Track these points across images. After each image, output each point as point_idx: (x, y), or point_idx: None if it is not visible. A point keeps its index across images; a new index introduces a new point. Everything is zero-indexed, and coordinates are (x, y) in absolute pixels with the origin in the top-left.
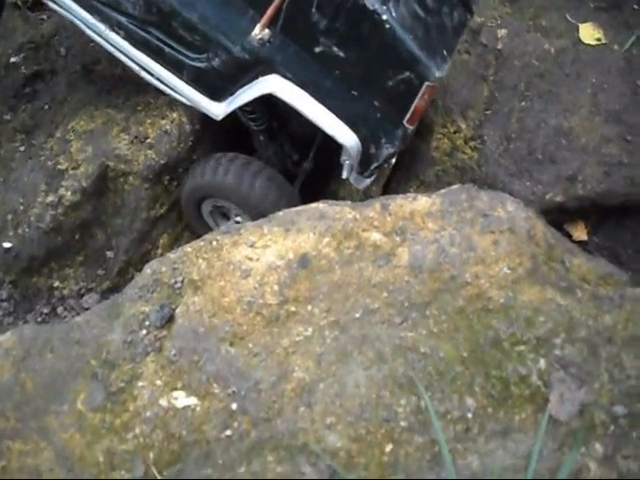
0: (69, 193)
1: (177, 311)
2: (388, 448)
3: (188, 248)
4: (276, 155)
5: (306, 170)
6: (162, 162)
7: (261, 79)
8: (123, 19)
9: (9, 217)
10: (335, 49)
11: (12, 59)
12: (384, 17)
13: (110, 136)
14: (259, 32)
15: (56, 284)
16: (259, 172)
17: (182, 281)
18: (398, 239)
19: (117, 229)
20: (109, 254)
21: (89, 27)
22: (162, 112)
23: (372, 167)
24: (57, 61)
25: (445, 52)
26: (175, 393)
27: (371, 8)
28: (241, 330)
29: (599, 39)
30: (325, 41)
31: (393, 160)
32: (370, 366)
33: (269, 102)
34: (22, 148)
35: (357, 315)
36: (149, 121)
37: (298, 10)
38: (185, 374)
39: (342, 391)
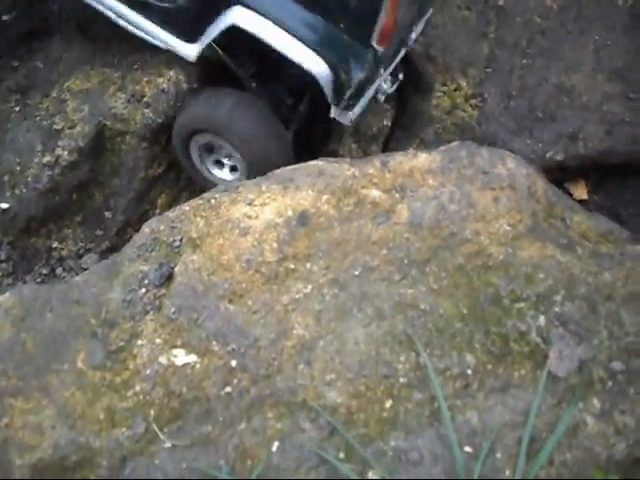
0: (66, 153)
1: (176, 269)
2: (387, 404)
3: (186, 207)
4: (270, 100)
5: (302, 114)
6: (159, 121)
7: (226, 12)
8: None
9: (6, 178)
10: None
11: (3, 17)
12: None
13: (106, 95)
14: None
15: (55, 245)
16: (252, 106)
17: (181, 240)
18: (397, 196)
19: (115, 189)
20: (107, 214)
21: None
22: (159, 70)
23: (346, 96)
24: (51, 19)
25: None
26: (175, 351)
27: None
28: (240, 288)
29: None
30: None
31: (370, 91)
32: (369, 323)
33: (255, 46)
34: (17, 108)
35: (356, 272)
36: (146, 79)
37: None
38: (184, 332)
39: (341, 348)
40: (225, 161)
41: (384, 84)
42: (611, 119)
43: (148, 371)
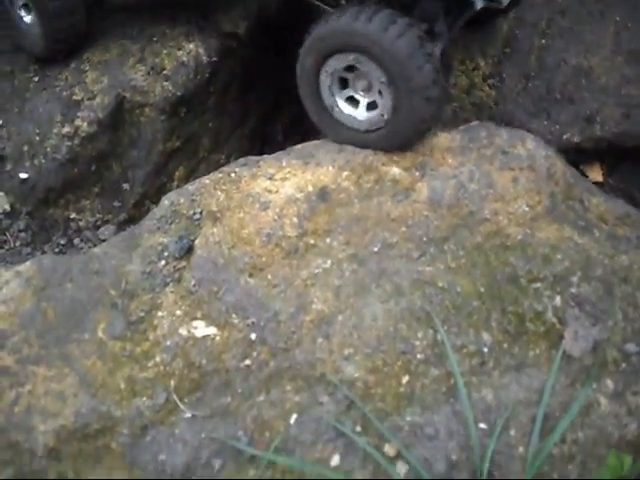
0: (85, 124)
1: (196, 242)
2: (404, 380)
3: (206, 180)
4: (421, 16)
5: (446, 32)
6: (179, 94)
7: None
8: None
9: (25, 148)
10: None
11: None
12: None
13: (126, 67)
14: None
15: (72, 215)
16: (406, 23)
17: (200, 212)
18: (417, 174)
19: (133, 161)
20: (125, 186)
21: None
22: (178, 43)
23: None
24: None
25: None
26: (195, 323)
27: None
28: (260, 262)
29: None
30: None
31: None
32: (388, 299)
33: None
34: (36, 78)
35: (375, 249)
36: (165, 52)
37: None
38: (204, 304)
39: (360, 323)
40: (361, 97)
41: None
42: (629, 102)
43: (168, 342)
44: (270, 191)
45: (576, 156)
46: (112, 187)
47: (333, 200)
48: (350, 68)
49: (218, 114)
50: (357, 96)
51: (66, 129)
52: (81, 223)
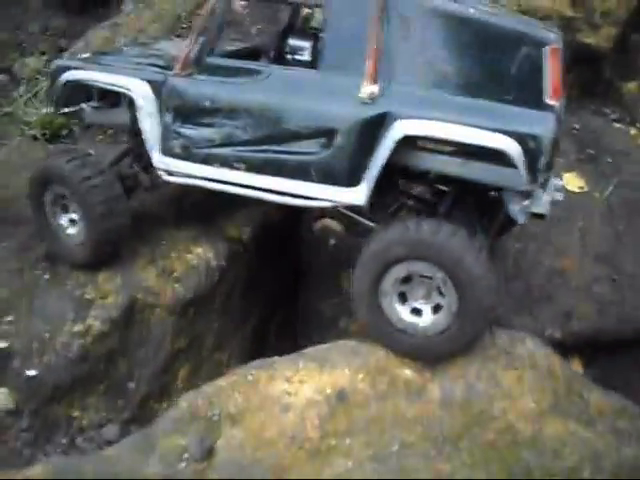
0: (98, 323)
1: (217, 444)
2: None
3: (223, 382)
4: (465, 220)
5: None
6: (189, 296)
7: (387, 134)
8: (239, 151)
9: (34, 345)
10: (445, 67)
11: None
12: (472, 13)
13: (137, 268)
14: (367, 90)
15: (76, 414)
16: (456, 229)
17: (219, 414)
18: (428, 375)
19: (140, 360)
20: (130, 385)
21: (212, 180)
22: (186, 246)
23: (542, 164)
24: None
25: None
26: None
27: (459, 14)
28: (285, 463)
29: (582, 187)
30: (433, 65)
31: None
32: None
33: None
34: (46, 276)
35: (394, 448)
36: (174, 254)
37: (396, 50)
38: None
39: None
40: (422, 305)
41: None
42: (600, 299)
43: None
44: (289, 393)
45: (557, 349)
46: (117, 385)
47: (351, 402)
48: (406, 279)
49: (222, 314)
50: (418, 305)
51: (78, 327)
52: (84, 422)
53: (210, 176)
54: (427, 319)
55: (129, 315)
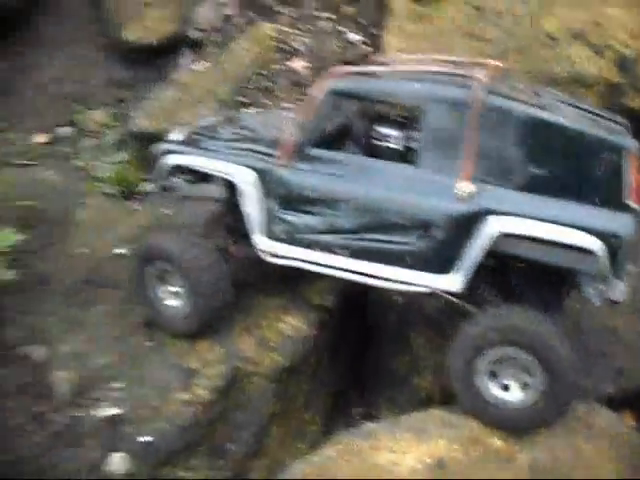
0: (206, 392)
1: None
2: None
3: (331, 452)
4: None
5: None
6: (286, 365)
7: (483, 229)
8: (340, 239)
9: (145, 412)
10: (534, 169)
11: (119, 250)
12: (559, 121)
13: (234, 336)
14: (465, 187)
15: (181, 474)
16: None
17: None
18: (517, 446)
19: (239, 423)
20: (229, 446)
21: (316, 264)
22: (277, 315)
23: (621, 258)
24: None
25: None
26: None
27: (548, 121)
28: None
29: None
30: (522, 168)
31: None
32: None
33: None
34: (148, 343)
35: None
36: (265, 323)
37: (491, 152)
38: None
39: None
40: (511, 382)
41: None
42: None
43: None
44: (395, 463)
45: (609, 404)
46: (218, 447)
47: (449, 470)
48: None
49: (312, 377)
50: (507, 382)
51: (187, 396)
52: None
53: (313, 260)
54: (516, 395)
55: (231, 383)
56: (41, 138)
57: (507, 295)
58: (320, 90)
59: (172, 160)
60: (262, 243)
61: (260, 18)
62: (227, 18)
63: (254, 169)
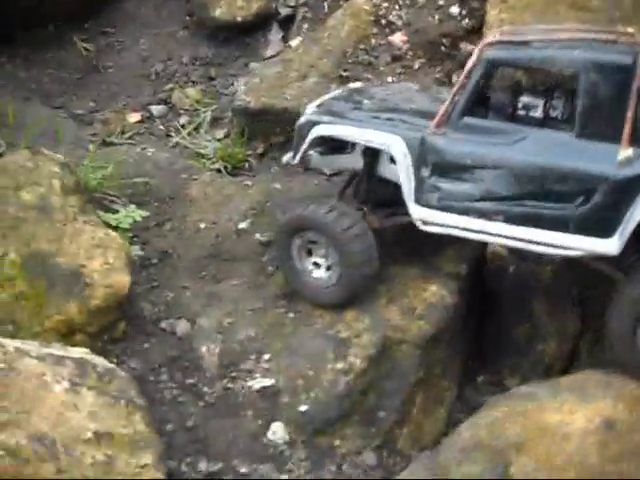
0: (359, 361)
1: (512, 471)
2: None
3: (497, 413)
4: None
5: None
6: (432, 332)
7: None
8: (498, 205)
9: (299, 382)
10: None
11: (240, 225)
12: None
13: (379, 306)
14: (625, 153)
15: (337, 442)
16: None
17: (504, 443)
18: None
19: (387, 391)
20: (381, 414)
21: (469, 230)
22: (418, 284)
23: None
24: None
25: None
26: None
27: None
28: None
29: None
30: None
31: None
32: None
33: None
34: (291, 314)
35: None
36: (411, 292)
37: None
38: None
39: None
40: None
41: None
42: None
43: None
44: (565, 423)
45: None
46: (368, 415)
47: (618, 429)
48: None
49: (449, 344)
50: None
51: (341, 365)
52: (344, 450)
53: (468, 227)
54: None
55: (381, 351)
56: (135, 117)
57: None
58: (477, 59)
59: (320, 131)
60: (415, 211)
61: None
62: None
63: (405, 138)
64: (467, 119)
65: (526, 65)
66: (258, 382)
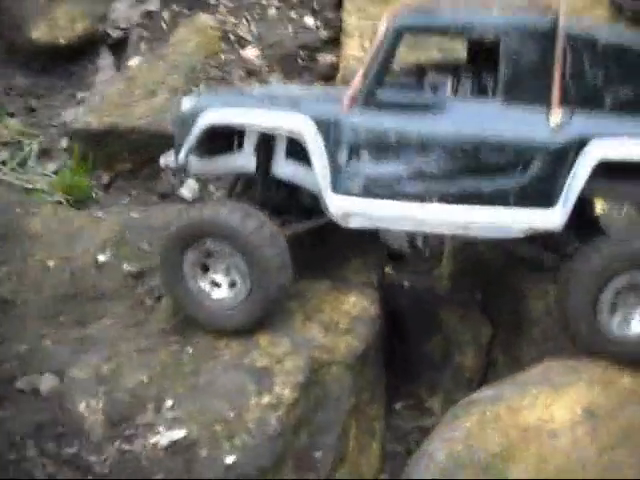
0: (287, 391)
1: None
2: None
3: (468, 424)
4: None
5: None
6: (362, 348)
7: (583, 157)
8: (429, 184)
9: (217, 427)
10: (617, 90)
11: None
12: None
13: (296, 325)
14: (557, 117)
15: None
16: None
17: (485, 456)
18: None
19: (321, 425)
20: (316, 454)
21: (399, 219)
22: (334, 296)
23: None
24: None
25: None
26: None
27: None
28: None
29: None
30: (606, 91)
31: None
32: None
33: None
34: (188, 349)
35: None
36: (327, 306)
37: (577, 79)
38: None
39: None
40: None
41: None
42: None
43: None
44: (545, 420)
45: None
46: (304, 457)
47: (602, 416)
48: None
49: (373, 366)
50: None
51: (267, 398)
52: None
53: (399, 213)
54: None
55: (310, 377)
56: None
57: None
58: (386, 29)
59: (210, 118)
60: (334, 202)
61: (191, 12)
62: (149, 14)
63: (315, 118)
64: (384, 93)
65: (442, 30)
66: (164, 436)
